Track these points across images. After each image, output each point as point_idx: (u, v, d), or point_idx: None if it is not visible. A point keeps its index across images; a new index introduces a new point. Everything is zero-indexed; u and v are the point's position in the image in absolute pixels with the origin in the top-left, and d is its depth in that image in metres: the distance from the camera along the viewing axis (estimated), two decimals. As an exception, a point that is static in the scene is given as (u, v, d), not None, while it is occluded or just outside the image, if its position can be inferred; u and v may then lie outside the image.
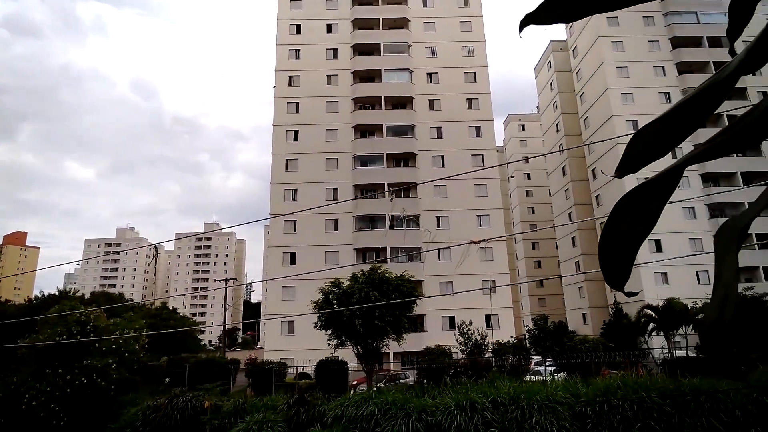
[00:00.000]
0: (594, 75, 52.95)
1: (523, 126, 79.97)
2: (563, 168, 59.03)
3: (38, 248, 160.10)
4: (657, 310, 29.74)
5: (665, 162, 0.92)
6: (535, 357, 29.77)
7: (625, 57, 50.64)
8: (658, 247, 43.30)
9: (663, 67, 50.18)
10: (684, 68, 49.81)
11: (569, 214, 56.85)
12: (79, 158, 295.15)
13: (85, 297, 52.19)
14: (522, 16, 0.94)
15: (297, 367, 30.42)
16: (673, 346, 28.06)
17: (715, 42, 50.13)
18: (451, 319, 39.56)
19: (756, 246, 41.21)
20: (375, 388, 19.08)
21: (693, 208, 45.29)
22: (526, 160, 65.82)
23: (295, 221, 43.01)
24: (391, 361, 36.19)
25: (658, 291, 38.96)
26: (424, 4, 50.38)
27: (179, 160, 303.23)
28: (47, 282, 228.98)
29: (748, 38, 0.82)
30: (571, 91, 59.28)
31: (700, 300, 31.24)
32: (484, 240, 21.03)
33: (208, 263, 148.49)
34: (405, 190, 43.44)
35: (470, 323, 29.23)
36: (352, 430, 13.81)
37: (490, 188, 45.10)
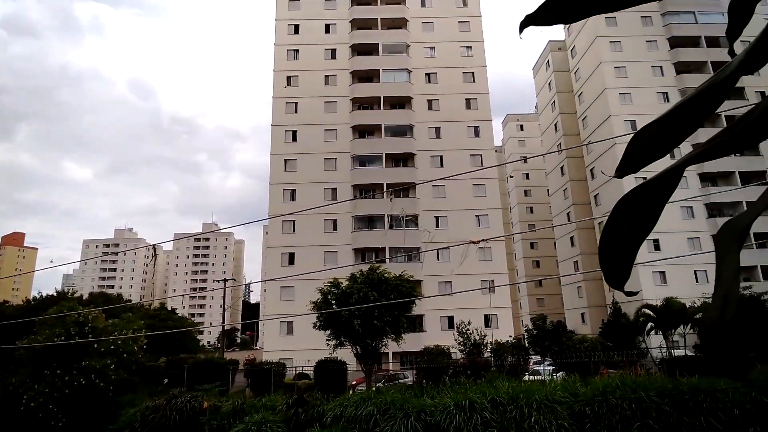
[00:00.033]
0: (592, 75, 53.04)
1: (521, 126, 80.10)
2: (562, 168, 59.11)
3: (36, 249, 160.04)
4: (655, 310, 29.80)
5: (664, 162, 0.92)
6: (533, 357, 29.83)
7: (623, 57, 50.74)
8: (657, 246, 43.40)
9: (661, 67, 50.30)
10: (682, 68, 49.93)
11: (568, 213, 56.93)
12: (77, 158, 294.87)
13: (84, 298, 52.17)
14: (521, 17, 0.95)
15: (296, 367, 30.42)
16: (672, 346, 28.13)
17: (713, 42, 50.27)
18: (450, 319, 39.59)
19: (754, 245, 41.34)
20: (374, 388, 19.07)
21: (691, 207, 45.41)
22: (525, 160, 65.76)
23: (294, 221, 42.99)
24: (390, 361, 36.21)
25: (657, 290, 39.04)
26: (423, 5, 50.40)
27: (178, 160, 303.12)
28: (45, 283, 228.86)
29: (747, 39, 0.82)
30: (569, 91, 59.37)
31: (698, 299, 31.35)
32: (483, 240, 21.05)
33: (206, 264, 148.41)
34: (404, 190, 43.46)
35: (469, 323, 29.25)
36: (351, 431, 13.80)
37: (488, 188, 45.16)
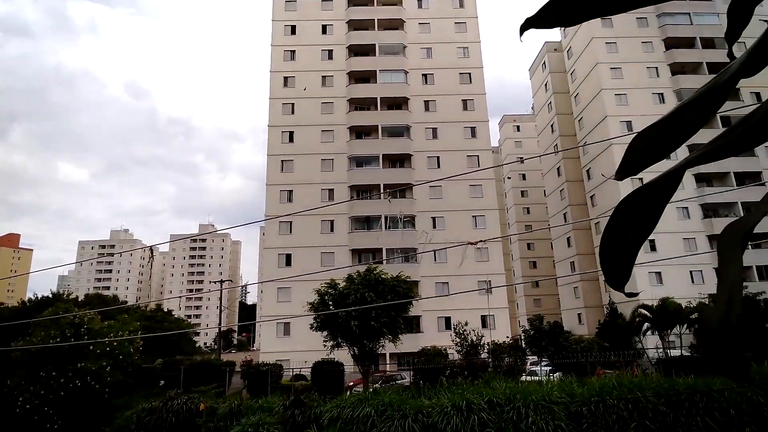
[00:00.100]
0: (588, 76, 53.23)
1: (518, 127, 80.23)
2: (558, 169, 59.27)
3: (31, 250, 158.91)
4: (651, 310, 29.85)
5: (663, 164, 0.92)
6: (530, 357, 29.88)
7: (618, 58, 50.95)
8: (653, 247, 43.54)
9: (657, 68, 50.53)
10: (677, 69, 50.18)
11: (564, 214, 57.09)
12: (72, 159, 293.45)
13: (79, 299, 51.81)
14: (520, 20, 0.95)
15: (293, 368, 30.36)
16: (668, 346, 28.23)
17: (708, 43, 50.55)
18: (447, 319, 39.59)
19: (750, 245, 41.49)
20: (371, 390, 19.05)
21: (687, 208, 45.59)
22: (522, 160, 66.07)
23: (291, 222, 42.92)
24: (388, 362, 36.16)
25: (653, 291, 39.11)
26: (420, 5, 50.46)
27: (174, 161, 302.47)
28: (40, 284, 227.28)
29: (743, 40, 0.83)
30: (565, 92, 59.55)
31: (694, 299, 31.42)
32: (481, 241, 21.09)
33: (203, 265, 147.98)
34: (401, 191, 43.48)
35: (466, 324, 29.30)
36: (349, 432, 13.79)
37: (485, 189, 45.22)
